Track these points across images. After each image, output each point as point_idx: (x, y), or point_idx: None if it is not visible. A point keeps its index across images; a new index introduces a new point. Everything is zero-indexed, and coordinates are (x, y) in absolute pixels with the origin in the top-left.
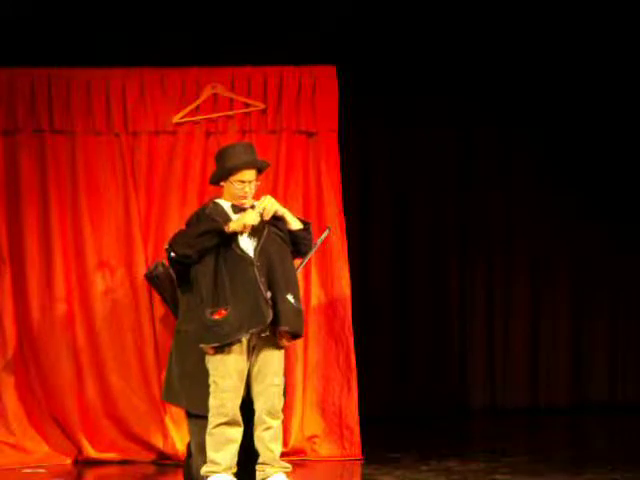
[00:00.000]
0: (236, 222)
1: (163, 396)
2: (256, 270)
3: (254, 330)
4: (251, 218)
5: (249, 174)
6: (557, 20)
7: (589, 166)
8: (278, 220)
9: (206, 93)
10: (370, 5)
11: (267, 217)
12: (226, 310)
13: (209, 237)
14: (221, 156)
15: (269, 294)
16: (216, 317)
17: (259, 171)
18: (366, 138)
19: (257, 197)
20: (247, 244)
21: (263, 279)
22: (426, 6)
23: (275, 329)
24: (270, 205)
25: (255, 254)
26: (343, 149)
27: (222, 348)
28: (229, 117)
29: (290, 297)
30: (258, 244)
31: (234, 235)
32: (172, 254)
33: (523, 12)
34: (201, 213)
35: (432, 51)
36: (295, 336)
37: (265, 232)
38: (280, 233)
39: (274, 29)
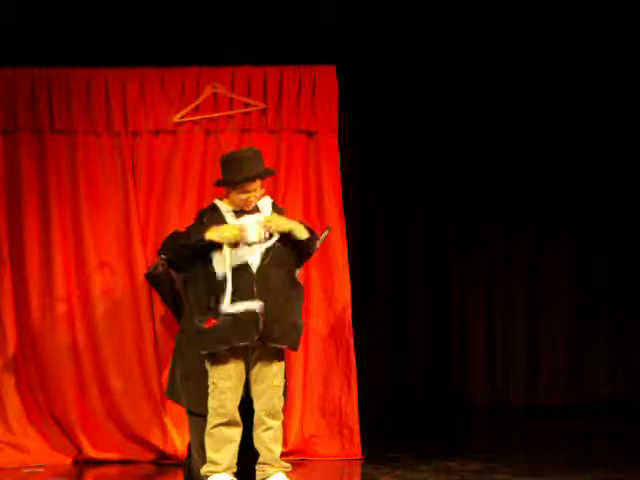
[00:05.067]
0: (215, 233)
1: (166, 392)
2: (255, 286)
3: (239, 345)
4: (230, 234)
5: (254, 184)
6: (559, 18)
7: (589, 167)
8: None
9: (206, 93)
10: (370, 5)
11: (274, 236)
12: (216, 320)
13: (187, 250)
14: (228, 164)
15: (262, 311)
16: (205, 325)
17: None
18: (366, 138)
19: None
20: (254, 258)
21: (259, 296)
22: (426, 6)
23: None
24: (275, 226)
25: (258, 270)
26: (343, 149)
27: (215, 353)
28: (229, 117)
29: (291, 315)
30: (264, 260)
31: (235, 246)
32: (162, 256)
33: (521, 12)
34: (199, 218)
35: (432, 51)
36: (292, 350)
37: (274, 247)
38: (285, 248)
39: (274, 29)
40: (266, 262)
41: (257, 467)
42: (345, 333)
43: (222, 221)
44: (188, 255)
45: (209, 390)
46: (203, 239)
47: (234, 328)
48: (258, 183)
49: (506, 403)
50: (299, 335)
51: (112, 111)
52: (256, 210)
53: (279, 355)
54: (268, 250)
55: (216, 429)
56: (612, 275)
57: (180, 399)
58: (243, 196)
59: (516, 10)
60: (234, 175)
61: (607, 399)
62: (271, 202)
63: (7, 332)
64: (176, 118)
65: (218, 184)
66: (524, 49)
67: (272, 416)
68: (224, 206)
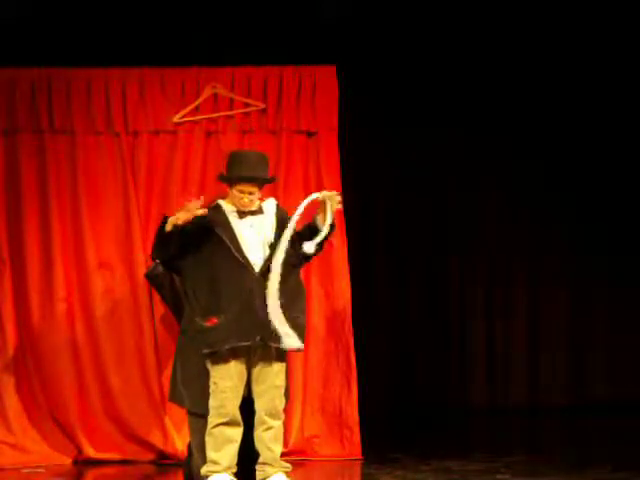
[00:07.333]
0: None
1: (169, 397)
2: (256, 285)
3: (241, 344)
4: (186, 212)
5: (249, 187)
6: (559, 18)
7: (588, 166)
8: (294, 240)
9: (206, 93)
10: (370, 5)
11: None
12: (218, 319)
13: (174, 239)
14: (232, 160)
15: (264, 310)
16: (207, 324)
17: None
18: (366, 138)
19: (261, 199)
20: (256, 257)
21: (262, 295)
22: (426, 6)
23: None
24: (337, 204)
25: (261, 269)
26: (343, 149)
27: (217, 352)
28: (229, 117)
29: (294, 315)
30: (268, 259)
31: (235, 243)
32: (156, 260)
33: (522, 12)
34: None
35: (432, 50)
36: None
37: (279, 248)
38: (291, 251)
39: (274, 29)
40: (269, 261)
41: (257, 467)
42: (345, 333)
43: (225, 221)
44: (174, 252)
45: (210, 390)
46: (165, 227)
47: (236, 328)
48: (255, 188)
49: (506, 403)
50: (302, 335)
51: (112, 111)
52: (260, 212)
53: (281, 355)
54: (271, 250)
55: (217, 429)
56: (612, 275)
57: (183, 401)
58: (238, 195)
59: (516, 9)
60: (233, 172)
61: (607, 399)
62: (275, 204)
63: (7, 332)
64: (176, 118)
65: (221, 178)
66: (524, 49)
67: (273, 416)
68: (227, 206)
